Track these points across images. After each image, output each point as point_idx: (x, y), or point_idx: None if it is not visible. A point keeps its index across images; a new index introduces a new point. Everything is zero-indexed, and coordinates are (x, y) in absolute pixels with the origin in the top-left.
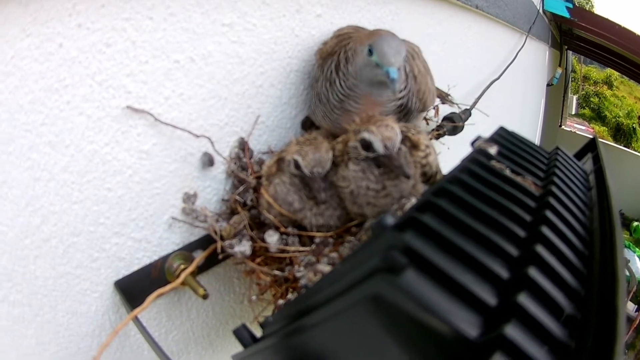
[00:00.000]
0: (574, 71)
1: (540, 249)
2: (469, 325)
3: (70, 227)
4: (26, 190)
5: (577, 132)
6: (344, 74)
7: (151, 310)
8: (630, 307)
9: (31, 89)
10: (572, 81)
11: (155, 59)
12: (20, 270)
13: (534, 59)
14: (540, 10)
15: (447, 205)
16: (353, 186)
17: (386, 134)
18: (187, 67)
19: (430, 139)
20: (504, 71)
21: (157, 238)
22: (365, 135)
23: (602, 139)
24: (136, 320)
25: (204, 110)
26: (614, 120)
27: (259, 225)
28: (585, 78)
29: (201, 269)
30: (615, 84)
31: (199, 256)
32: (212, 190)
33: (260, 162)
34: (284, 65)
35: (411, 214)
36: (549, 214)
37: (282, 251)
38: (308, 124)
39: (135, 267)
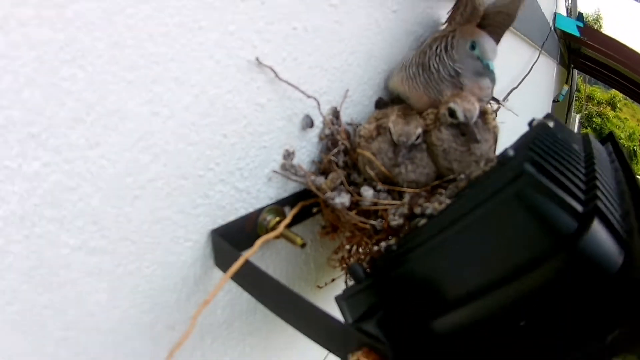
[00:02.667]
0: (578, 90)
1: (599, 193)
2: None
3: (181, 169)
4: (141, 124)
5: None
6: (452, 57)
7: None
8: None
9: (165, 21)
10: (575, 100)
11: (279, 22)
12: (113, 212)
13: (544, 75)
14: (552, 28)
15: (541, 150)
16: (446, 145)
17: (467, 106)
18: (302, 36)
19: None
20: (521, 81)
21: (257, 190)
22: (452, 105)
23: None
24: (249, 265)
25: (309, 77)
26: None
27: (350, 184)
28: (589, 98)
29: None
30: (618, 105)
31: (291, 211)
32: (306, 152)
33: (357, 129)
34: (367, 49)
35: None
36: (597, 174)
37: (376, 204)
38: (382, 104)
39: (232, 217)
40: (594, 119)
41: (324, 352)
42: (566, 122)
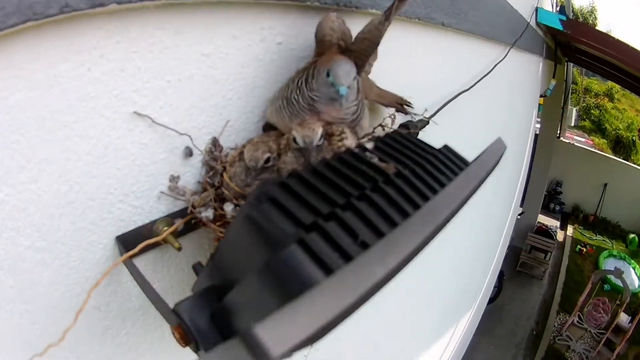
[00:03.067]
0: (575, 83)
1: (358, 202)
2: (290, 227)
3: (89, 194)
4: (60, 166)
5: (576, 143)
6: (311, 87)
7: (139, 263)
8: (624, 318)
9: (68, 98)
10: (573, 93)
11: (154, 79)
12: (48, 223)
13: (524, 71)
14: (533, 23)
15: (307, 173)
16: (289, 167)
17: (306, 133)
18: (176, 85)
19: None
20: (476, 83)
21: (149, 207)
22: (293, 132)
23: (602, 151)
24: (131, 264)
25: (187, 117)
26: (614, 132)
27: (222, 200)
28: (587, 90)
29: (180, 233)
30: (616, 96)
31: (179, 221)
32: (191, 175)
33: (227, 155)
34: (249, 83)
35: (280, 179)
36: (381, 184)
37: (234, 217)
38: (267, 127)
39: (132, 227)
40: (592, 111)
41: None
42: (562, 117)
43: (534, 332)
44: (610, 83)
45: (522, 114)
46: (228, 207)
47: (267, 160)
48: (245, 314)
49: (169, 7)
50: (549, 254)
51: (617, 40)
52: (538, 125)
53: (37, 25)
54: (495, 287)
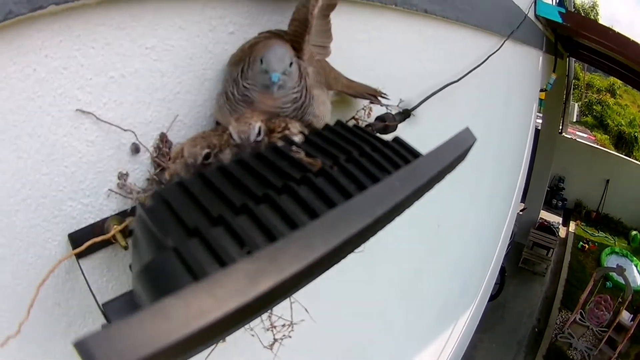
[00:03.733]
0: (577, 78)
1: (256, 207)
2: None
3: (40, 192)
4: (12, 165)
5: (578, 139)
6: (246, 77)
7: (94, 261)
8: (626, 315)
9: (17, 98)
10: (574, 89)
11: (97, 76)
12: (5, 220)
13: (523, 64)
14: (532, 15)
15: (213, 173)
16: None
17: (242, 128)
18: (119, 81)
19: None
20: (464, 75)
21: (99, 204)
22: (230, 128)
23: (604, 147)
24: (78, 263)
25: (132, 112)
26: (616, 128)
27: None
28: (589, 85)
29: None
30: (618, 92)
31: (129, 219)
32: (140, 172)
33: (167, 153)
34: (199, 75)
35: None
36: (292, 184)
37: None
38: (218, 123)
39: (83, 225)
40: (594, 107)
41: None
42: (564, 113)
43: (536, 330)
44: (612, 79)
45: (521, 107)
46: None
47: (207, 156)
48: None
49: (110, 3)
50: (551, 250)
51: (618, 33)
52: (540, 121)
53: None
54: (497, 283)
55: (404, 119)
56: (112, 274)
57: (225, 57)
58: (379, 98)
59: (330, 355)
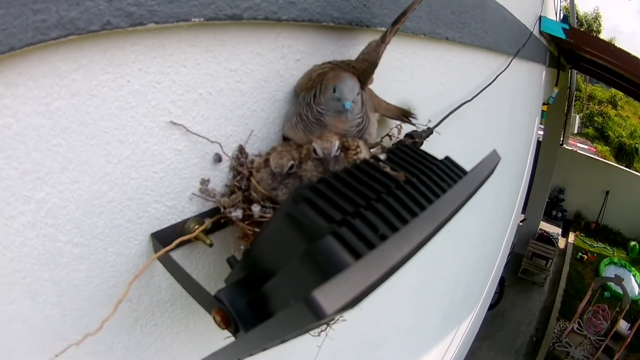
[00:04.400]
0: (578, 90)
1: (376, 204)
2: (323, 223)
3: (127, 194)
4: (101, 169)
5: (579, 150)
6: (318, 102)
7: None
8: (623, 325)
9: (109, 106)
10: (576, 100)
11: (187, 92)
12: (87, 221)
13: (527, 80)
14: (537, 32)
15: (333, 179)
16: (309, 174)
17: (325, 145)
18: (207, 98)
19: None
20: (478, 93)
21: (182, 207)
22: (313, 144)
23: (605, 158)
24: (168, 257)
25: (216, 126)
26: (616, 140)
27: (249, 202)
28: (590, 97)
29: (209, 231)
30: (620, 103)
31: (208, 221)
32: (220, 179)
33: (252, 161)
34: (271, 96)
35: (312, 184)
36: (393, 189)
37: (262, 217)
38: (285, 138)
39: (165, 225)
40: (596, 118)
41: None
42: (565, 124)
43: (534, 338)
44: (613, 90)
45: (525, 121)
46: (255, 208)
47: (291, 167)
48: (286, 295)
49: (200, 27)
50: (550, 260)
51: (620, 49)
52: (541, 132)
53: (79, 38)
54: (496, 293)
55: (428, 136)
56: (186, 270)
57: (292, 82)
58: (410, 118)
59: (351, 349)
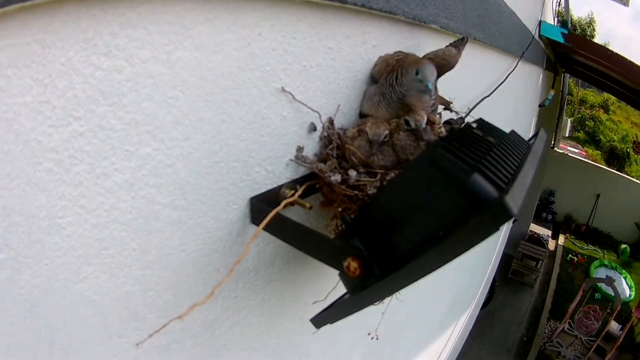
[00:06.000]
0: (570, 94)
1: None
2: (466, 165)
3: (235, 156)
4: (214, 127)
5: (570, 154)
6: (401, 83)
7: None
8: (614, 325)
9: (230, 65)
10: (568, 104)
11: (295, 62)
12: (193, 181)
13: (527, 81)
14: (536, 36)
15: (451, 140)
16: (403, 143)
17: (417, 118)
18: (308, 70)
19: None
20: (494, 90)
21: (279, 172)
22: (407, 117)
23: (595, 162)
24: (281, 218)
25: (312, 97)
26: (608, 144)
27: (341, 168)
28: (582, 101)
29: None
30: (612, 108)
31: (302, 187)
32: (311, 148)
33: (345, 131)
34: (354, 75)
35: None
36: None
37: (359, 181)
38: (363, 115)
39: (264, 190)
40: (587, 122)
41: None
42: (557, 128)
43: (525, 338)
44: (606, 95)
45: (524, 122)
46: (352, 173)
47: (386, 136)
48: (429, 231)
49: (307, 4)
50: (541, 262)
51: (616, 54)
52: None
53: None
54: (487, 293)
55: (462, 123)
56: (271, 237)
57: (369, 65)
58: (450, 106)
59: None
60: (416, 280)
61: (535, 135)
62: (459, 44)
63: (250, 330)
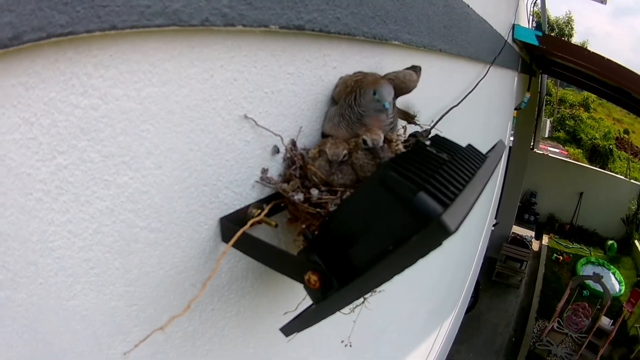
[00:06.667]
0: (549, 94)
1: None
2: (414, 184)
3: (204, 180)
4: (183, 155)
5: (550, 154)
6: (359, 104)
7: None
8: (605, 321)
9: (195, 97)
10: (546, 105)
11: (256, 90)
12: (166, 205)
13: (500, 86)
14: (510, 40)
15: (401, 159)
16: (361, 162)
17: (374, 137)
18: (270, 97)
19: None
20: (462, 100)
21: (246, 193)
22: (364, 137)
23: (577, 160)
24: (244, 237)
25: (274, 122)
26: (589, 142)
27: (303, 187)
28: (562, 101)
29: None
30: (592, 106)
31: (268, 206)
32: (275, 169)
33: (307, 152)
34: (315, 98)
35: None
36: (446, 164)
37: (320, 199)
38: (325, 134)
39: (232, 210)
40: (567, 122)
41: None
42: (535, 129)
43: (513, 339)
44: (586, 93)
45: (499, 126)
46: (314, 192)
47: (344, 155)
48: (380, 245)
49: (267, 34)
50: (525, 263)
51: (593, 53)
52: (511, 138)
53: (172, 31)
54: (471, 297)
55: (428, 135)
56: (242, 254)
57: (330, 86)
58: (414, 120)
59: (359, 336)
60: (371, 289)
61: (494, 146)
62: (417, 70)
63: (229, 341)
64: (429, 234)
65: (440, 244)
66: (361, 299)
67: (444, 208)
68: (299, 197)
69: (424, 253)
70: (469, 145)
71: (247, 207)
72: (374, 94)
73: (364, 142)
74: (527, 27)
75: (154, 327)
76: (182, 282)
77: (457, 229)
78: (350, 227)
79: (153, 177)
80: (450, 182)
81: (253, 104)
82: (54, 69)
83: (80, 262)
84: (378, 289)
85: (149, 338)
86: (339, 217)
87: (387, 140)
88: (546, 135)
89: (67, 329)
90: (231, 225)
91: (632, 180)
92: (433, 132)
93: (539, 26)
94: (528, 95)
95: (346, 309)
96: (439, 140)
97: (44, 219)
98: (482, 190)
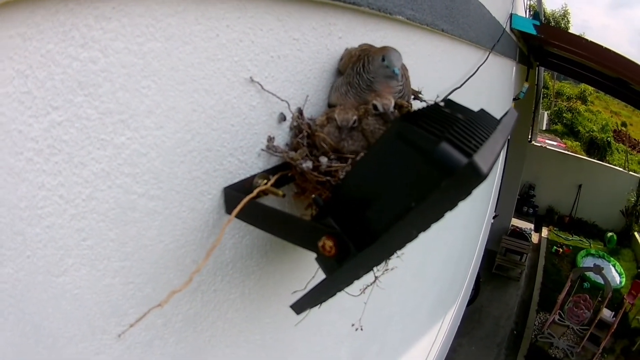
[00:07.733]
0: (546, 87)
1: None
2: (433, 136)
3: (207, 145)
4: (186, 116)
5: (548, 147)
6: (368, 71)
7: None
8: (607, 313)
9: (199, 56)
10: (543, 98)
11: (262, 53)
12: (167, 170)
13: (500, 74)
14: (508, 29)
15: (423, 111)
16: (371, 127)
17: (384, 102)
18: (276, 61)
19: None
20: (465, 81)
21: (251, 162)
22: (374, 102)
23: (575, 153)
24: (255, 204)
25: (280, 87)
26: (587, 134)
27: (311, 155)
28: (559, 94)
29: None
30: (589, 98)
31: (274, 176)
32: (282, 138)
33: (314, 120)
34: (321, 67)
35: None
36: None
37: (330, 167)
38: (331, 105)
39: (237, 179)
40: (564, 115)
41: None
42: (533, 122)
43: (515, 332)
44: (583, 86)
45: (499, 114)
46: (323, 160)
47: (354, 121)
48: (400, 203)
49: None
50: (525, 255)
51: (591, 42)
52: None
53: None
54: (472, 289)
55: None
56: (247, 228)
57: (336, 56)
58: (419, 95)
59: (369, 322)
60: (392, 253)
61: (506, 113)
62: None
63: (233, 326)
64: (460, 178)
65: (470, 192)
66: (372, 277)
67: (469, 156)
68: (307, 165)
69: (452, 202)
70: (482, 110)
71: (253, 177)
72: (383, 59)
73: (375, 107)
74: (525, 17)
75: (150, 299)
76: (182, 257)
77: (488, 173)
78: (365, 187)
79: (153, 138)
80: (470, 137)
81: (259, 67)
82: (53, 20)
83: (72, 232)
84: (390, 266)
85: (146, 317)
86: (352, 179)
87: (398, 106)
88: (544, 128)
89: (57, 309)
90: (236, 194)
91: (630, 172)
92: None
93: (536, 16)
94: (526, 85)
95: (356, 290)
96: (452, 103)
97: (34, 181)
98: (504, 144)
